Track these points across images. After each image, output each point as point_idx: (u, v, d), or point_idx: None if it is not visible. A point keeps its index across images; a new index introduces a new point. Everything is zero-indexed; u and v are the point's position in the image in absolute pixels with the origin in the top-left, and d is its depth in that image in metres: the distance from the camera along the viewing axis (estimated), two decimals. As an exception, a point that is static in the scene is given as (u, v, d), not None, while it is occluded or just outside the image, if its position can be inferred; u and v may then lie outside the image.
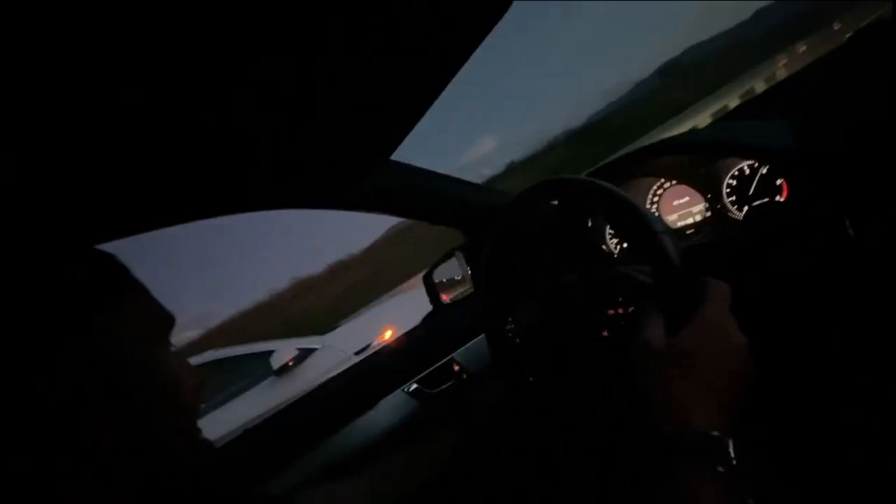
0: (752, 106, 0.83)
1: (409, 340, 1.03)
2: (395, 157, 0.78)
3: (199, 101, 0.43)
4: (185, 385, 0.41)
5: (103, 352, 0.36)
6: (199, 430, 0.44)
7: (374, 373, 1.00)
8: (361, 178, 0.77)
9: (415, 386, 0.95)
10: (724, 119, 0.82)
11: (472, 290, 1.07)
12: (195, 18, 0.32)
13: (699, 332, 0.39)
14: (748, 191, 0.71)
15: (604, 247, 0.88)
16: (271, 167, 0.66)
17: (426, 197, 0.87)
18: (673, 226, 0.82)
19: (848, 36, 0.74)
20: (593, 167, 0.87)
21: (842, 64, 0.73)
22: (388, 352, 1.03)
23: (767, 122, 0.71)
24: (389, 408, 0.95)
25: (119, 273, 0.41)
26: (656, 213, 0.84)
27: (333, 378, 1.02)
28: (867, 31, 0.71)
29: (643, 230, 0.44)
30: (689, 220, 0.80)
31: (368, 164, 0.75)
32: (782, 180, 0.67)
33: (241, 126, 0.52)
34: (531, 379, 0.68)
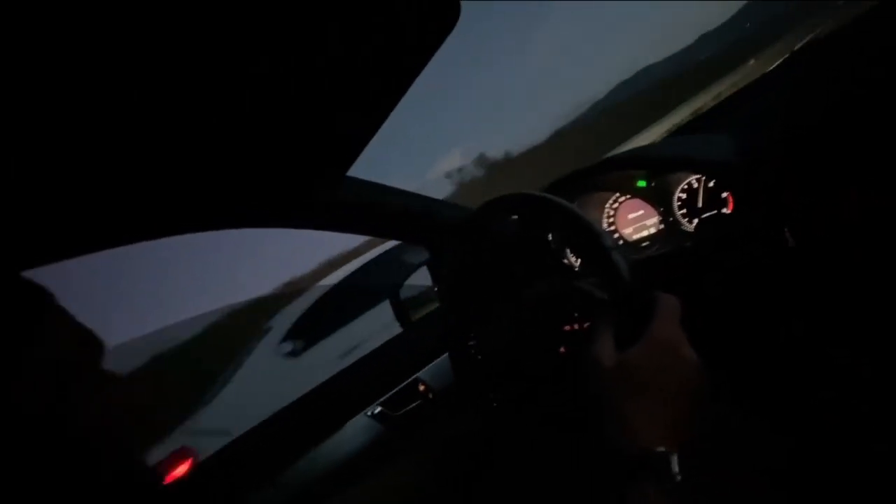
0: (699, 122, 0.87)
1: (372, 361, 1.00)
2: (357, 173, 0.77)
3: (151, 117, 0.41)
4: (117, 417, 0.38)
5: (15, 382, 0.33)
6: (140, 466, 0.40)
7: (335, 397, 0.96)
8: (316, 196, 0.74)
9: (378, 409, 0.91)
10: (673, 134, 0.85)
11: (438, 306, 1.05)
12: (145, 29, 0.30)
13: (648, 348, 0.39)
14: (697, 204, 0.73)
15: (565, 260, 0.89)
16: (221, 186, 0.63)
17: (385, 213, 0.85)
18: (629, 238, 0.84)
19: (785, 57, 0.79)
20: (553, 180, 0.88)
21: (780, 82, 0.78)
22: (349, 373, 0.99)
23: (712, 137, 0.75)
24: (352, 433, 0.91)
25: (33, 297, 0.37)
26: (613, 227, 0.86)
27: (292, 403, 0.98)
28: (804, 50, 0.76)
29: (594, 246, 0.44)
30: (645, 233, 0.82)
31: (323, 181, 0.72)
32: (728, 193, 0.70)
33: (190, 144, 0.49)
34: (494, 402, 0.66)
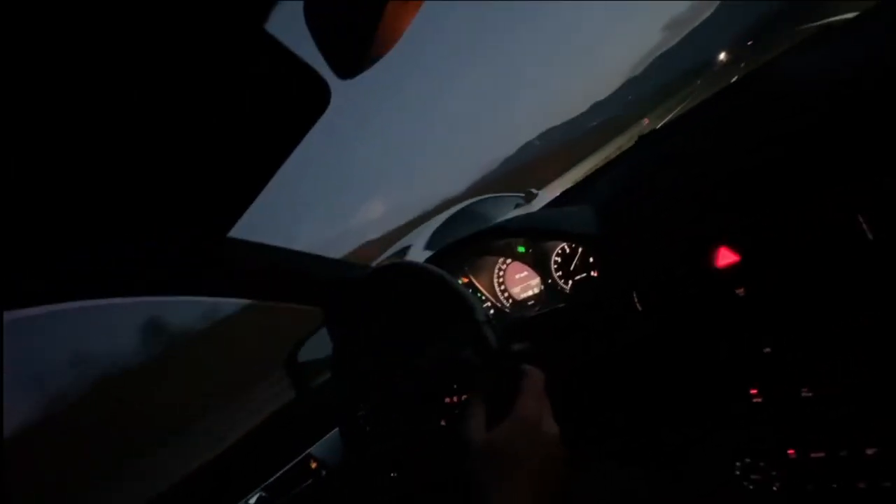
0: (571, 193, 0.99)
1: (257, 437, 0.90)
2: (255, 231, 0.73)
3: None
4: None
5: None
6: None
7: (210, 483, 0.84)
8: (191, 260, 0.69)
9: (261, 494, 0.81)
10: (550, 205, 0.95)
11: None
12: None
13: (514, 427, 0.40)
14: (571, 267, 0.81)
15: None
16: (81, 250, 0.55)
17: (274, 276, 0.81)
18: (517, 297, 0.90)
19: (643, 133, 0.93)
20: (447, 244, 0.92)
21: (635, 160, 0.91)
22: (227, 455, 0.87)
23: (581, 209, 0.85)
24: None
25: None
26: (503, 286, 0.91)
27: (160, 494, 0.83)
28: (658, 131, 0.91)
29: (467, 318, 0.46)
30: (530, 293, 0.88)
31: (199, 242, 0.67)
32: (594, 259, 0.79)
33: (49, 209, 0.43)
34: (388, 475, 0.63)
